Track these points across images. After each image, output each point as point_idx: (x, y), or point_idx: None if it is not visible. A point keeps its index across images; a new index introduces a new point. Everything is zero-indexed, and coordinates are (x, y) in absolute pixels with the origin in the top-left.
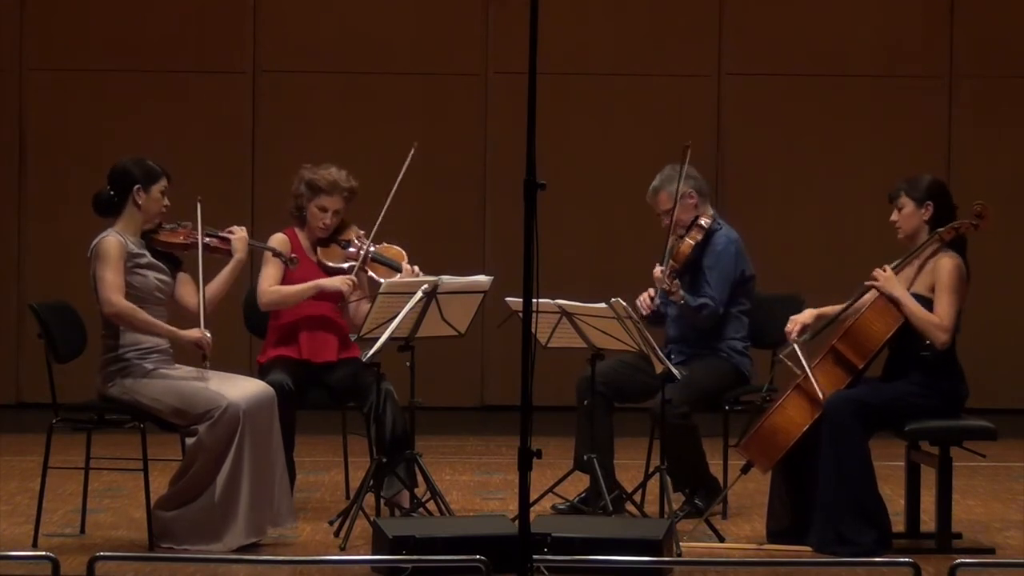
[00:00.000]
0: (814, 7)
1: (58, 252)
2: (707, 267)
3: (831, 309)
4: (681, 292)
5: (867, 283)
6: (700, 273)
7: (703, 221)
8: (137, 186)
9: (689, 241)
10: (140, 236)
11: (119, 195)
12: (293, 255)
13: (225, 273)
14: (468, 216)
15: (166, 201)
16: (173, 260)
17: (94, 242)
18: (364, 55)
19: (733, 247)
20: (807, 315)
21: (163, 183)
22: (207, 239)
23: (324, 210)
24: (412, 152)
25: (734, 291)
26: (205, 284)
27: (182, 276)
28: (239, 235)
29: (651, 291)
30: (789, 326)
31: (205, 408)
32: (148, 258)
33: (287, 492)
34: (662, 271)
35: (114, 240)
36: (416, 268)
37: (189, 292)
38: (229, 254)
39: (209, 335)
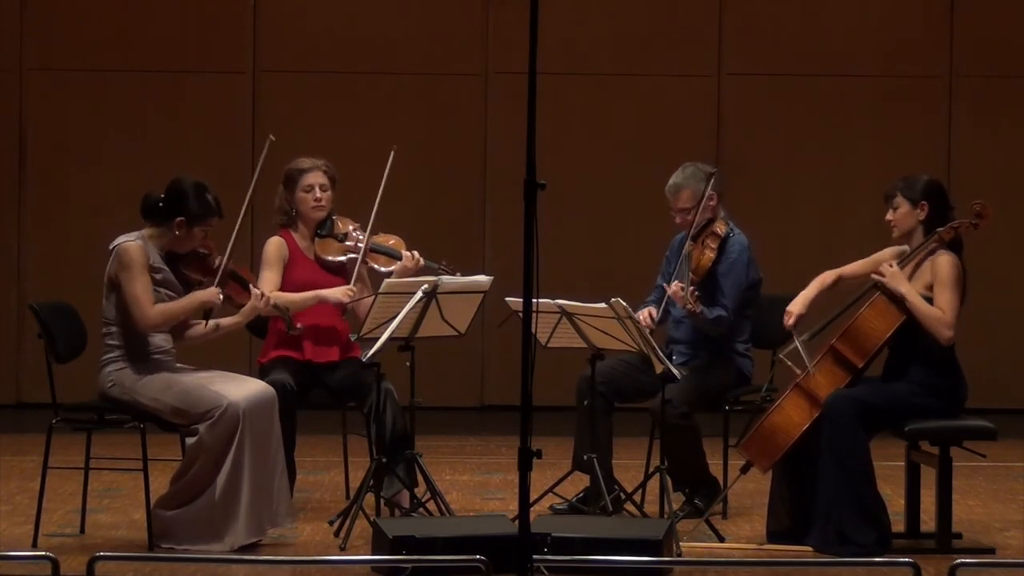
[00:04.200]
0: (814, 7)
1: (58, 252)
2: (721, 275)
3: (828, 278)
4: (701, 307)
5: (873, 277)
6: (714, 281)
7: (719, 229)
8: (181, 219)
9: (710, 254)
10: (166, 252)
11: (165, 211)
12: (298, 325)
13: (219, 324)
14: (468, 216)
15: (206, 238)
16: (189, 286)
17: (117, 242)
18: (364, 55)
19: (746, 255)
20: (797, 304)
21: (209, 225)
22: (227, 283)
23: (311, 188)
24: (392, 155)
25: (742, 296)
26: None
27: None
28: (252, 304)
29: (652, 311)
30: (786, 318)
31: (205, 408)
32: (165, 274)
33: (287, 492)
34: (682, 287)
35: (136, 247)
36: (415, 253)
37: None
38: (239, 306)
39: (222, 296)
